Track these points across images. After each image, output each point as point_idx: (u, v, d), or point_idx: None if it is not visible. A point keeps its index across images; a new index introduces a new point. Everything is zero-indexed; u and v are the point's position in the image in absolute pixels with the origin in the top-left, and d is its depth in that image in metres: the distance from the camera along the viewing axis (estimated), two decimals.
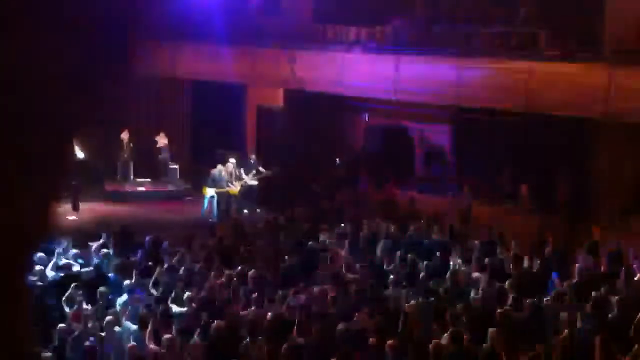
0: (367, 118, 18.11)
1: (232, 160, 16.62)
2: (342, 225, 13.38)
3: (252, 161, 17.25)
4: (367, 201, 15.69)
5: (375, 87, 15.90)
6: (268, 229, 13.23)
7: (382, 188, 16.13)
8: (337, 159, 17.54)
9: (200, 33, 17.36)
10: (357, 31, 17.13)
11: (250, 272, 10.40)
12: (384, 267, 11.12)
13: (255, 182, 16.89)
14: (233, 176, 16.49)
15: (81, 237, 12.43)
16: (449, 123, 17.04)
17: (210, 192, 16.19)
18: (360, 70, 16.09)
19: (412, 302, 9.36)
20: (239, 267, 10.76)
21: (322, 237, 12.58)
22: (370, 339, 8.10)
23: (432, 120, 16.75)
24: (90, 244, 11.87)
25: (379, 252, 11.83)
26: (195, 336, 8.31)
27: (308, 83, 16.72)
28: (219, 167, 16.45)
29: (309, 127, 17.43)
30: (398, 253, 11.34)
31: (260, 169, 17.09)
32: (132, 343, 8.14)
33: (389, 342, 7.89)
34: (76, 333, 8.21)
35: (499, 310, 8.74)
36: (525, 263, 11.16)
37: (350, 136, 17.93)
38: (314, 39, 17.15)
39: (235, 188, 16.43)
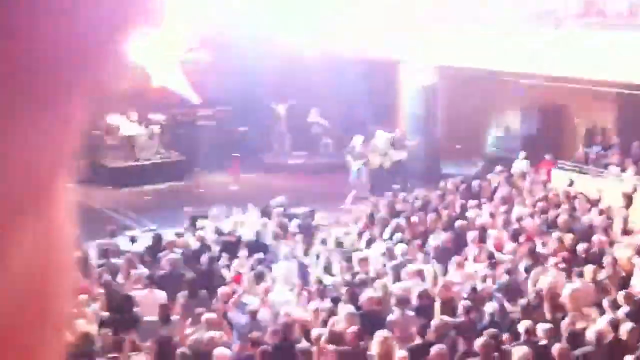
0: (523, 94, 17.55)
1: (379, 134, 16.77)
2: (494, 203, 13.15)
3: (399, 136, 17.32)
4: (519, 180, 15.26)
5: (532, 63, 15.36)
6: (420, 205, 13.29)
7: (537, 167, 15.64)
8: (488, 136, 17.19)
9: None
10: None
11: (397, 248, 10.56)
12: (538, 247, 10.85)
13: (404, 157, 16.97)
14: (377, 150, 16.64)
15: (241, 205, 13.15)
16: (612, 100, 16.16)
17: (356, 165, 16.48)
18: (517, 45, 15.60)
19: (568, 285, 9.10)
20: (390, 241, 10.95)
21: (472, 215, 12.45)
22: (521, 321, 7.99)
23: (595, 97, 15.96)
24: (248, 211, 12.52)
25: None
26: (345, 306, 8.58)
27: (462, 59, 16.45)
28: (356, 139, 16.70)
29: (463, 104, 17.18)
30: (554, 234, 11.01)
31: (407, 143, 17.14)
32: (286, 309, 8.55)
33: (541, 325, 7.76)
34: (236, 296, 8.74)
35: None
36: None
37: (505, 114, 17.47)
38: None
39: (378, 161, 16.58)
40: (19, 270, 0.41)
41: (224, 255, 10.36)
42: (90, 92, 0.43)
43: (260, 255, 10.22)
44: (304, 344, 7.92)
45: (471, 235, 11.12)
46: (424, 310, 8.61)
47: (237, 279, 9.42)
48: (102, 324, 8.33)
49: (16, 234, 0.40)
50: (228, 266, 9.97)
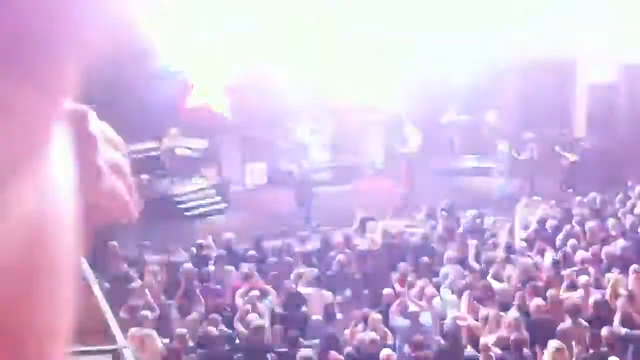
0: None
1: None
2: None
3: (570, 137, 16.61)
4: None
5: None
6: (597, 210, 12.65)
7: None
8: None
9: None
10: None
11: (577, 255, 10.13)
12: None
13: (575, 159, 16.24)
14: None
15: (408, 208, 13.24)
16: None
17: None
18: None
19: None
20: (563, 248, 10.54)
21: None
22: None
23: None
24: (416, 215, 12.58)
25: None
26: (514, 312, 8.39)
27: None
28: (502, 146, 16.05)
29: None
30: None
31: (582, 144, 16.35)
32: (452, 312, 8.51)
33: None
34: (399, 299, 8.82)
35: None
36: None
37: None
38: None
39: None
40: (17, 225, 0.41)
41: (390, 258, 10.50)
42: (80, 43, 0.43)
43: (425, 258, 10.24)
44: (471, 351, 7.86)
45: None
46: (600, 320, 8.22)
47: (401, 281, 9.51)
48: (274, 319, 8.77)
49: (13, 188, 0.41)
50: (393, 268, 10.09)
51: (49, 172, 0.44)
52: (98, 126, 0.59)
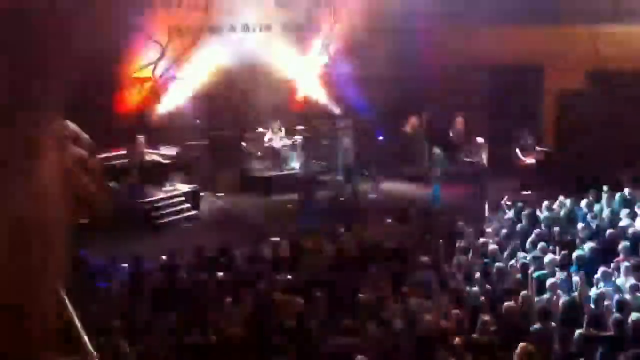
0: None
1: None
2: None
3: (529, 141, 16.88)
4: None
5: None
6: (566, 213, 12.82)
7: None
8: None
9: (496, 15, 17.22)
10: None
11: (546, 258, 10.25)
12: None
13: (532, 161, 16.54)
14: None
15: (379, 214, 13.29)
16: None
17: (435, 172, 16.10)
18: None
19: None
20: (533, 251, 10.66)
21: (623, 225, 11.84)
22: None
23: None
24: (388, 220, 12.65)
25: None
26: (484, 315, 8.46)
27: (613, 62, 15.70)
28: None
29: (613, 110, 16.36)
30: None
31: (537, 148, 16.65)
32: (425, 316, 8.55)
33: None
34: (374, 304, 8.84)
35: None
36: None
37: None
38: (618, 14, 16.02)
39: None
40: (7, 225, 0.45)
41: (363, 262, 10.52)
42: (69, 68, 0.50)
43: (399, 263, 10.29)
44: (441, 352, 7.89)
45: (622, 245, 10.59)
46: (570, 322, 8.32)
47: (375, 286, 9.53)
48: (246, 327, 8.71)
49: (5, 189, 0.45)
50: (366, 273, 10.12)
51: (43, 176, 0.45)
52: (64, 125, 0.60)
